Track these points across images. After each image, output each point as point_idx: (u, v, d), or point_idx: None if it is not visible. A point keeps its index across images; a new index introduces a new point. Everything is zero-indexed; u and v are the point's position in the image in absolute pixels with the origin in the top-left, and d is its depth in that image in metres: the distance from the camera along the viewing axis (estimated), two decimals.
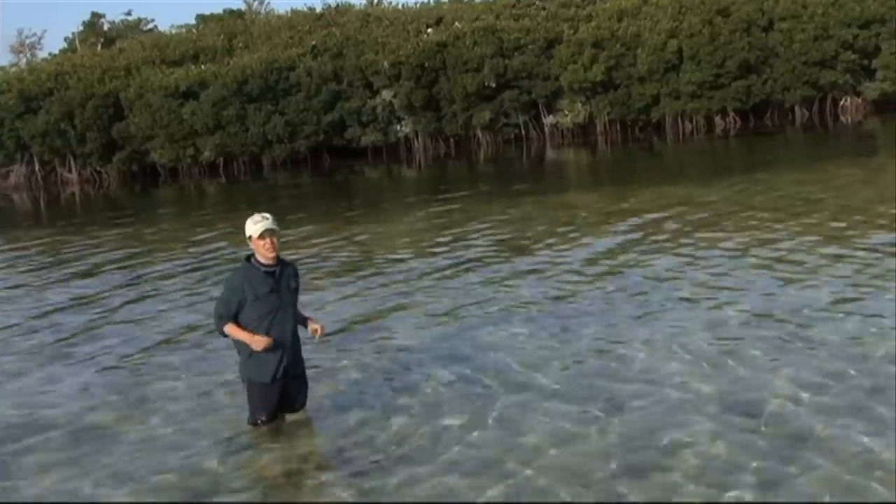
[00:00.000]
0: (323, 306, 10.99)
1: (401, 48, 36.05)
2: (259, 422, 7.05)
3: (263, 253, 6.81)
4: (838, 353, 7.75)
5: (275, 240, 6.82)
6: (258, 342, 6.71)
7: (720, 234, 13.58)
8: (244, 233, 6.89)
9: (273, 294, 6.78)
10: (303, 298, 7.62)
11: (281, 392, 7.05)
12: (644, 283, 10.96)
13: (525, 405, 7.23)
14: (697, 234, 13.76)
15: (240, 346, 6.94)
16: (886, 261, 10.79)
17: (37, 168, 37.79)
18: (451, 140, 37.41)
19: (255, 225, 6.80)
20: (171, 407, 7.94)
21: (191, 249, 16.93)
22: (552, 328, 9.34)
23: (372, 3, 48.70)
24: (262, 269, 6.84)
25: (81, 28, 58.09)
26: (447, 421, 7.07)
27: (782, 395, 6.95)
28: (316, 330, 7.07)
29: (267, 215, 6.90)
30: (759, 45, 35.84)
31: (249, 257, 6.93)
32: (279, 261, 6.91)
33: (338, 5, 44.21)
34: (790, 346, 8.09)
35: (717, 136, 34.91)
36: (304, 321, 7.16)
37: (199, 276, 14.01)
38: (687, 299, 9.99)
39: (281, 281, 6.85)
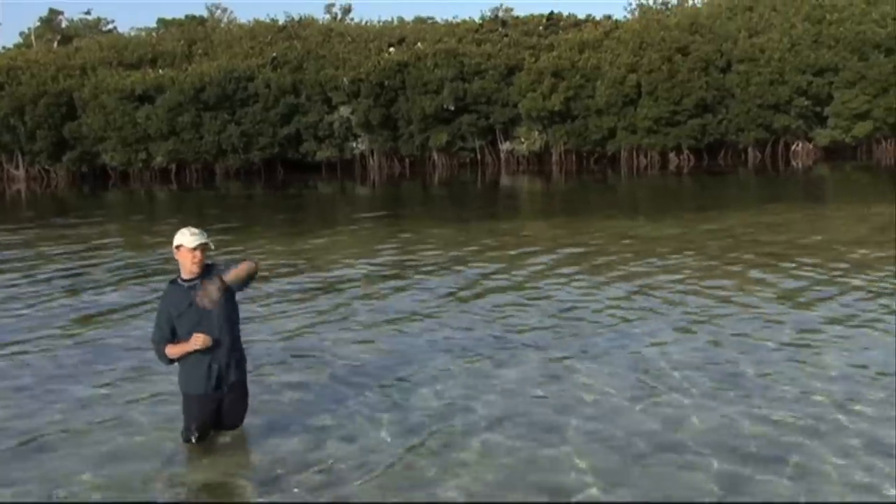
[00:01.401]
0: (264, 321, 10.83)
1: (361, 65, 36.06)
2: (192, 438, 6.86)
3: (188, 266, 6.70)
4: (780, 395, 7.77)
5: (204, 255, 6.69)
6: (196, 339, 6.60)
7: (667, 272, 13.64)
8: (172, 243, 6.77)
9: (192, 307, 6.65)
10: (245, 312, 7.46)
11: (217, 406, 6.88)
12: (577, 313, 10.95)
13: (461, 431, 7.14)
14: (638, 268, 13.81)
15: (181, 358, 6.80)
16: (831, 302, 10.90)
17: None
18: (407, 160, 37.44)
19: (191, 237, 6.67)
20: (104, 415, 7.73)
21: (134, 253, 16.66)
22: (490, 352, 9.26)
23: (335, 18, 48.70)
24: (185, 284, 6.72)
25: (38, 24, 57.34)
26: (382, 441, 6.95)
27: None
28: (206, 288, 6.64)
29: (202, 231, 6.78)
30: (717, 85, 36.40)
31: (175, 279, 6.83)
32: (203, 272, 6.75)
33: (300, 18, 44.12)
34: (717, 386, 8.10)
35: (670, 172, 35.27)
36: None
37: (139, 281, 13.76)
38: (618, 333, 9.98)
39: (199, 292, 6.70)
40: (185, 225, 6.95)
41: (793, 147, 38.31)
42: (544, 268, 14.26)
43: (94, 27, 57.57)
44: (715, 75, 36.48)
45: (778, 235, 16.89)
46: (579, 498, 6.00)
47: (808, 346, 9.25)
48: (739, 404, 7.58)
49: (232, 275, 6.76)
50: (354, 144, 37.11)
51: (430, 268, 14.60)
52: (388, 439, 7.06)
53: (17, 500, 6.21)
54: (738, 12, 40.25)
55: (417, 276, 13.92)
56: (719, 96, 36.60)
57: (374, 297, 12.42)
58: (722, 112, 36.75)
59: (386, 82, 35.81)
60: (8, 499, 6.23)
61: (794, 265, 13.61)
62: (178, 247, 6.71)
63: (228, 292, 6.79)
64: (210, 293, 6.50)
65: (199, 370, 6.72)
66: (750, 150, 37.87)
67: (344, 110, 36.35)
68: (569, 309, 11.31)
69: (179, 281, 6.78)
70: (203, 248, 6.68)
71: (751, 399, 7.70)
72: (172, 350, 6.73)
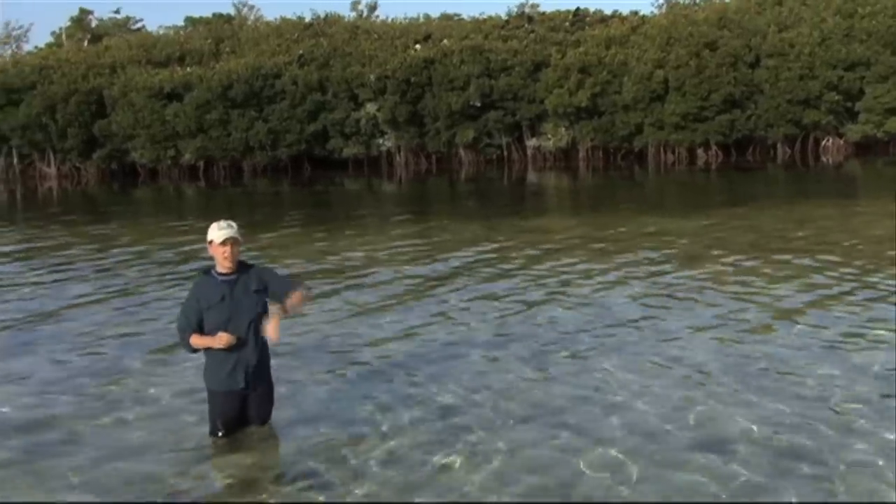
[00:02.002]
0: (292, 317, 10.85)
1: (388, 62, 36.07)
2: (218, 433, 6.91)
3: (220, 261, 6.75)
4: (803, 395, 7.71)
5: (234, 249, 6.73)
6: (220, 339, 6.64)
7: (693, 268, 13.56)
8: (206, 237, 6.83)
9: (224, 302, 6.69)
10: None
11: (242, 403, 6.93)
12: (605, 310, 10.91)
13: (491, 427, 7.14)
14: (670, 266, 13.74)
15: (204, 352, 6.87)
16: (868, 301, 10.80)
17: (15, 161, 37.48)
18: (433, 157, 37.42)
19: (220, 231, 6.72)
20: (133, 412, 7.79)
21: (164, 250, 16.77)
22: (523, 351, 9.25)
23: (361, 15, 48.77)
24: (219, 277, 6.77)
25: (69, 23, 57.81)
26: (411, 437, 6.97)
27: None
28: (268, 328, 6.72)
29: (232, 223, 6.82)
30: (745, 80, 36.09)
31: (209, 269, 6.87)
32: (239, 268, 6.81)
33: (327, 16, 44.21)
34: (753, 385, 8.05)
35: (698, 168, 35.06)
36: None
37: (170, 281, 13.85)
38: (653, 330, 9.94)
39: (236, 288, 6.74)
40: (215, 220, 6.99)
41: (823, 142, 37.93)
42: (571, 264, 14.21)
43: (123, 26, 57.96)
44: (743, 70, 36.18)
45: (807, 232, 16.75)
46: (612, 497, 5.98)
47: (838, 343, 9.17)
48: (770, 402, 7.53)
49: (296, 304, 6.77)
50: (381, 141, 37.15)
51: (456, 263, 14.60)
52: (418, 435, 7.07)
53: (43, 496, 6.28)
54: (768, 7, 39.89)
55: (444, 272, 13.93)
56: (748, 92, 36.30)
57: (399, 292, 12.44)
58: (751, 107, 36.45)
59: (412, 79, 35.81)
60: (38, 494, 6.29)
61: (823, 262, 13.50)
62: (209, 242, 6.77)
63: (261, 292, 6.84)
64: (273, 329, 6.61)
65: (225, 367, 6.77)
66: (779, 145, 37.54)
67: (370, 107, 36.39)
68: (597, 305, 11.27)
69: (213, 273, 6.82)
70: (232, 242, 6.72)
71: (782, 396, 7.65)
72: (197, 341, 6.78)
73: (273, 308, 6.75)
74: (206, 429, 7.06)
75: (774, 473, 6.16)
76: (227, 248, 6.70)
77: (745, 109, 36.38)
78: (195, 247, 17.08)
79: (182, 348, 7.06)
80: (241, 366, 6.78)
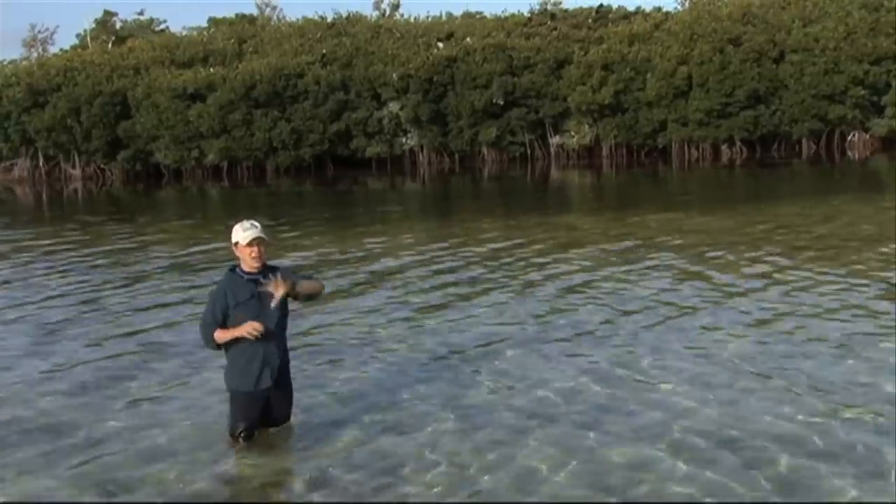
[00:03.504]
0: (315, 314, 10.86)
1: (410, 61, 36.07)
2: (239, 435, 6.88)
3: (249, 261, 6.73)
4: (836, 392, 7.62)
5: (262, 248, 6.72)
6: (249, 325, 6.58)
7: (720, 264, 13.46)
8: (230, 239, 6.81)
9: (254, 300, 6.68)
10: (294, 305, 7.48)
11: (265, 404, 6.92)
12: (632, 307, 10.84)
13: (517, 426, 7.09)
14: (696, 263, 13.65)
15: (227, 353, 6.84)
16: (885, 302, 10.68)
17: (41, 163, 37.77)
18: (456, 155, 37.39)
19: (245, 232, 6.71)
20: (156, 412, 7.81)
21: (188, 251, 16.83)
22: (550, 349, 9.21)
23: (383, 14, 48.76)
24: (246, 276, 6.75)
25: (93, 25, 58.12)
26: (437, 436, 6.93)
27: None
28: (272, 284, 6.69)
29: (255, 223, 6.81)
30: (769, 76, 35.84)
31: (234, 268, 6.85)
32: (265, 268, 6.80)
33: (349, 15, 44.25)
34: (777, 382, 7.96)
35: (722, 164, 34.86)
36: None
37: (194, 281, 13.89)
38: (686, 328, 9.86)
39: (265, 291, 6.72)
40: (239, 221, 6.98)
41: (849, 138, 37.60)
42: (596, 261, 14.15)
43: (146, 27, 58.22)
44: (768, 66, 35.92)
45: (834, 228, 16.60)
46: (638, 497, 5.93)
47: (868, 340, 9.07)
48: (800, 399, 7.45)
49: (307, 286, 6.83)
50: (404, 140, 37.15)
51: (481, 260, 14.57)
52: (444, 435, 7.03)
53: (66, 496, 6.29)
54: (792, 1, 39.59)
55: (470, 269, 13.90)
56: (772, 87, 36.04)
57: (425, 289, 12.42)
58: (775, 103, 36.19)
59: (435, 77, 35.79)
60: (63, 496, 6.31)
61: (851, 258, 13.37)
62: (235, 244, 6.76)
63: (288, 297, 6.84)
64: (279, 286, 6.54)
65: (252, 367, 6.74)
66: (804, 141, 37.25)
67: (393, 106, 36.40)
68: (623, 301, 11.21)
69: (239, 271, 6.80)
70: (259, 241, 6.70)
71: (812, 394, 7.57)
72: (222, 334, 6.74)
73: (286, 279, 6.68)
74: (226, 430, 7.06)
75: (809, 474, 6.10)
76: (255, 248, 6.69)
77: (770, 105, 36.14)
78: (218, 246, 17.14)
79: (205, 344, 7.00)
80: (267, 366, 6.77)
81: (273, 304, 6.62)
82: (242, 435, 6.86)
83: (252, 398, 6.83)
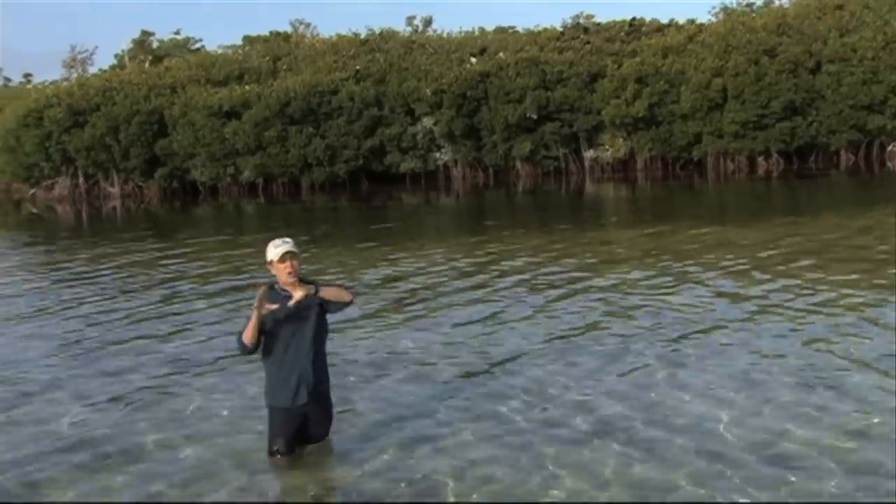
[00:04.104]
0: (352, 330, 10.89)
1: (443, 76, 36.17)
2: (276, 451, 6.90)
3: (284, 277, 6.73)
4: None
5: (295, 263, 6.72)
6: (257, 310, 6.56)
7: (757, 277, 13.34)
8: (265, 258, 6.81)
9: (291, 318, 6.70)
10: (332, 324, 7.51)
11: (303, 421, 6.93)
12: (669, 322, 10.76)
13: (557, 440, 7.05)
14: (735, 277, 13.53)
15: (265, 368, 6.87)
16: None
17: (81, 181, 38.25)
18: (490, 170, 37.41)
19: (276, 249, 6.73)
20: (192, 430, 7.85)
21: (224, 268, 16.96)
22: (589, 363, 9.16)
23: (416, 30, 49.01)
24: (283, 293, 6.75)
25: (131, 45, 58.94)
26: (473, 456, 6.91)
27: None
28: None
29: (287, 239, 6.83)
30: (806, 86, 35.54)
31: (273, 285, 6.85)
32: (301, 283, 6.81)
33: (382, 31, 44.48)
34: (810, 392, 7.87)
35: (759, 177, 34.58)
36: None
37: (232, 297, 13.98)
38: (723, 343, 9.77)
39: (300, 304, 6.75)
40: (276, 236, 7.01)
41: (889, 148, 37.15)
42: (632, 275, 14.08)
43: (182, 46, 58.95)
44: (804, 77, 35.62)
45: (872, 240, 16.38)
46: None
47: None
48: (844, 415, 7.36)
49: (330, 292, 6.84)
50: (438, 155, 37.24)
51: (516, 275, 14.54)
52: (482, 452, 7.01)
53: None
54: (828, 11, 39.26)
55: (505, 283, 13.87)
56: (809, 98, 35.72)
57: (460, 304, 12.41)
58: (812, 114, 35.87)
59: (468, 92, 35.86)
60: None
61: (890, 271, 13.17)
62: (269, 262, 6.77)
63: (322, 310, 6.85)
64: (298, 289, 6.60)
65: (290, 383, 6.76)
66: (842, 152, 36.88)
67: (427, 121, 36.51)
68: (659, 316, 11.13)
69: (277, 288, 6.80)
70: (291, 256, 6.72)
71: (855, 410, 7.47)
72: (246, 332, 6.69)
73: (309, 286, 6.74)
74: (265, 447, 7.09)
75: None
76: (289, 263, 6.71)
77: (807, 116, 35.82)
78: (253, 262, 17.26)
79: (240, 352, 6.93)
80: (304, 381, 6.78)
81: (291, 303, 6.60)
82: (279, 451, 6.88)
83: (289, 414, 6.84)
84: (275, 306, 6.63)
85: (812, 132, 35.88)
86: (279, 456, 6.88)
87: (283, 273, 6.73)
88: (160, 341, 11.20)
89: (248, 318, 6.77)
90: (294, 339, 6.73)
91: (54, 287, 15.89)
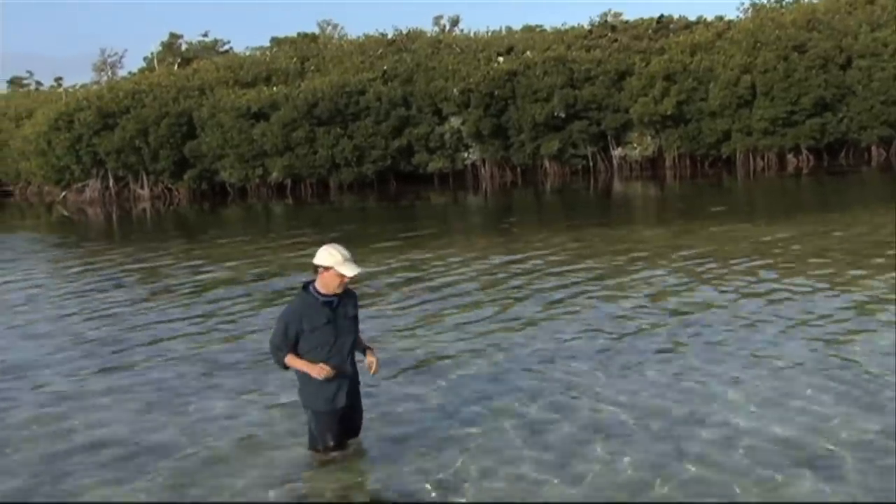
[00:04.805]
0: (382, 329, 10.91)
1: (471, 76, 36.15)
2: (327, 446, 6.92)
3: (333, 287, 6.67)
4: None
5: (346, 280, 6.72)
6: (320, 371, 6.61)
7: (788, 275, 13.24)
8: (315, 258, 6.69)
9: (330, 325, 6.68)
10: (364, 323, 7.54)
11: (342, 417, 6.96)
12: (698, 321, 10.70)
13: (583, 439, 7.04)
14: (766, 275, 13.44)
15: (300, 373, 6.86)
16: None
17: (111, 183, 38.55)
18: (518, 169, 37.34)
19: (346, 263, 6.60)
20: (224, 429, 7.90)
21: (252, 268, 17.04)
22: (617, 364, 9.14)
23: (443, 30, 49.02)
24: (321, 298, 6.71)
25: (160, 48, 59.37)
26: (505, 451, 6.91)
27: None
28: (371, 364, 6.96)
29: (348, 255, 6.69)
30: (836, 82, 35.21)
31: (307, 285, 6.84)
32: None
33: (409, 31, 44.52)
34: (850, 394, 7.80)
35: (788, 173, 34.32)
36: (363, 349, 7.05)
37: (261, 298, 14.05)
38: (757, 340, 9.71)
39: (338, 310, 6.74)
40: (327, 242, 6.94)
41: None
42: (662, 273, 14.02)
43: (210, 48, 59.33)
44: (834, 72, 35.30)
45: None
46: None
47: None
48: (876, 413, 7.30)
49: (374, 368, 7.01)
50: (466, 154, 37.23)
51: (546, 275, 14.51)
52: (511, 449, 7.01)
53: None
54: (859, 6, 38.88)
55: (533, 283, 13.85)
56: (839, 94, 35.40)
57: (489, 304, 12.41)
58: (842, 110, 35.54)
59: (496, 92, 35.82)
60: None
61: None
62: (326, 268, 6.64)
63: (356, 317, 6.92)
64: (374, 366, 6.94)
65: (329, 389, 6.77)
66: (873, 148, 36.53)
67: (454, 121, 36.50)
68: (689, 313, 11.08)
69: (312, 291, 6.75)
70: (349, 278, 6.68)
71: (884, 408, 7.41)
72: (295, 363, 6.73)
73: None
74: (297, 445, 7.12)
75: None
76: (345, 279, 6.68)
77: (837, 112, 35.50)
78: (281, 261, 17.32)
79: (274, 362, 6.99)
80: (343, 387, 6.81)
81: (318, 376, 6.66)
82: (330, 446, 6.91)
83: (332, 414, 6.88)
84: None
85: (842, 128, 35.56)
86: (331, 450, 6.90)
87: (333, 283, 6.65)
88: (188, 341, 11.27)
89: (284, 332, 6.65)
90: (335, 349, 6.73)
91: (82, 288, 16.03)
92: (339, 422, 6.92)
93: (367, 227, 25.13)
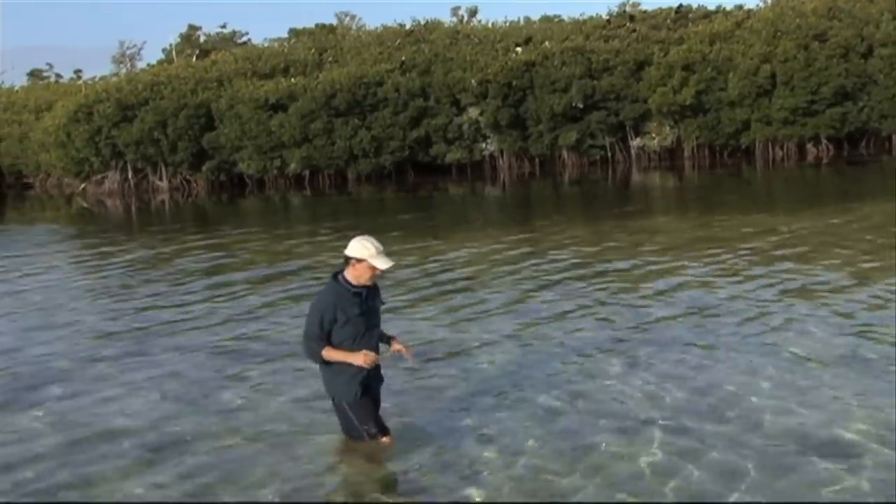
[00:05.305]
0: (400, 321, 10.91)
1: (489, 66, 36.05)
2: (371, 434, 6.91)
3: (364, 278, 6.67)
4: None
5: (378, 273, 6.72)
6: (364, 359, 6.58)
7: (808, 266, 13.16)
8: (348, 249, 6.67)
9: (362, 316, 6.68)
10: (383, 315, 7.55)
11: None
12: (718, 312, 10.66)
13: (600, 430, 7.02)
14: (785, 266, 13.37)
15: (328, 366, 6.79)
16: None
17: (130, 175, 38.71)
18: (536, 160, 37.25)
19: (379, 256, 6.61)
20: (246, 420, 7.93)
21: (273, 259, 17.09)
22: (637, 355, 9.11)
23: (461, 20, 48.92)
24: (352, 289, 6.69)
25: (178, 40, 59.51)
26: (523, 443, 6.91)
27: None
28: (401, 350, 6.98)
29: (381, 247, 6.67)
30: (857, 71, 34.90)
31: (336, 275, 6.81)
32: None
33: (427, 22, 44.45)
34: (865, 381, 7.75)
35: (808, 163, 34.10)
36: (386, 339, 7.05)
37: (280, 289, 14.09)
38: (772, 331, 9.66)
39: (367, 302, 6.76)
40: (353, 235, 6.91)
41: None
42: (682, 263, 13.97)
43: (229, 40, 59.41)
44: (856, 61, 34.99)
45: None
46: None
47: None
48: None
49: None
50: (484, 145, 37.15)
51: (564, 266, 14.49)
52: (530, 441, 7.01)
53: (158, 497, 6.43)
54: None
55: (552, 275, 13.83)
56: (860, 83, 35.09)
57: (506, 294, 12.39)
58: (864, 99, 35.24)
59: (514, 82, 35.72)
60: (154, 495, 6.45)
61: None
62: (359, 260, 6.63)
63: (381, 302, 6.97)
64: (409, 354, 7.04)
65: (359, 380, 6.77)
66: (894, 137, 36.22)
67: (472, 112, 36.42)
68: (710, 305, 11.04)
69: (343, 282, 6.72)
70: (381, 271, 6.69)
71: None
72: (332, 354, 6.66)
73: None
74: (319, 437, 7.13)
75: None
76: (377, 272, 6.69)
77: (858, 101, 35.21)
78: (302, 253, 17.35)
79: (307, 356, 6.91)
80: (373, 376, 6.87)
81: (358, 363, 6.65)
82: (374, 433, 6.91)
83: (366, 403, 6.89)
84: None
85: (863, 118, 35.27)
86: (375, 437, 6.89)
87: (365, 275, 6.66)
88: (209, 333, 11.32)
89: (319, 323, 6.59)
90: (365, 340, 6.73)
91: (100, 279, 16.12)
92: (373, 404, 6.93)
93: (385, 217, 25.13)
